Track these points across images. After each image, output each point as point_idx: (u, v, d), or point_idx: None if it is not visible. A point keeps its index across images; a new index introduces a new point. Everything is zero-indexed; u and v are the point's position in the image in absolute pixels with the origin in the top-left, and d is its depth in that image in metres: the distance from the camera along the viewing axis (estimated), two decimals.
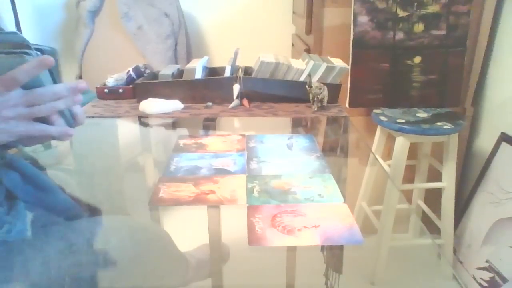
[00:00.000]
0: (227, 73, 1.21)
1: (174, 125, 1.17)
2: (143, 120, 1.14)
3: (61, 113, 0.58)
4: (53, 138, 0.60)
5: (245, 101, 1.17)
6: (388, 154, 1.51)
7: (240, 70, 1.23)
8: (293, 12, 2.03)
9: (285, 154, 0.99)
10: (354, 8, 1.35)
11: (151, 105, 1.11)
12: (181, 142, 1.07)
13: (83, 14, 1.92)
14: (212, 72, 1.31)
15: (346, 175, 1.06)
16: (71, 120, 0.61)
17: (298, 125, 1.21)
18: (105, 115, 1.11)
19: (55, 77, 0.60)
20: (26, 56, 0.54)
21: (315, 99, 1.12)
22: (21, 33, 0.65)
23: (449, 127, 1.28)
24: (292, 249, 1.06)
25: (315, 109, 1.13)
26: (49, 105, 0.55)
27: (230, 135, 1.11)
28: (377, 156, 1.48)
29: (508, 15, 1.43)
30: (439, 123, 1.30)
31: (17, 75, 0.52)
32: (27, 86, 0.54)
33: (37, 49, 0.57)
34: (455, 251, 1.53)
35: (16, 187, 0.64)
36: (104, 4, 1.93)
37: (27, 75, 0.53)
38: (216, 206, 0.79)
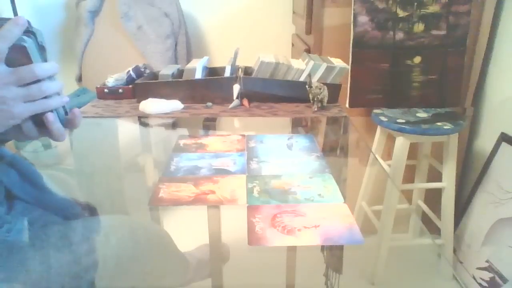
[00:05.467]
0: (227, 73, 1.21)
1: (174, 125, 1.17)
2: (143, 120, 1.14)
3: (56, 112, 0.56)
4: (50, 133, 0.56)
5: (245, 101, 1.17)
6: (388, 154, 1.51)
7: (240, 70, 1.23)
8: (293, 12, 2.03)
9: (285, 154, 0.99)
10: (354, 8, 1.35)
11: (151, 105, 1.11)
12: (181, 142, 1.07)
13: (83, 14, 1.92)
14: (212, 72, 1.31)
15: (346, 175, 1.06)
16: (63, 121, 0.58)
17: (298, 125, 1.21)
18: (105, 115, 1.11)
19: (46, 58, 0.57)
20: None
21: (315, 99, 1.12)
22: None
23: (449, 127, 1.28)
24: (292, 249, 1.06)
25: (315, 109, 1.13)
26: (44, 84, 0.53)
27: (230, 135, 1.11)
28: (377, 156, 1.47)
29: (508, 15, 1.43)
30: (439, 123, 1.30)
31: None
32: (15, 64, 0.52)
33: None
34: (455, 251, 1.53)
35: (14, 185, 0.64)
36: (104, 4, 1.93)
37: (6, 39, 0.50)
38: (216, 206, 0.79)
